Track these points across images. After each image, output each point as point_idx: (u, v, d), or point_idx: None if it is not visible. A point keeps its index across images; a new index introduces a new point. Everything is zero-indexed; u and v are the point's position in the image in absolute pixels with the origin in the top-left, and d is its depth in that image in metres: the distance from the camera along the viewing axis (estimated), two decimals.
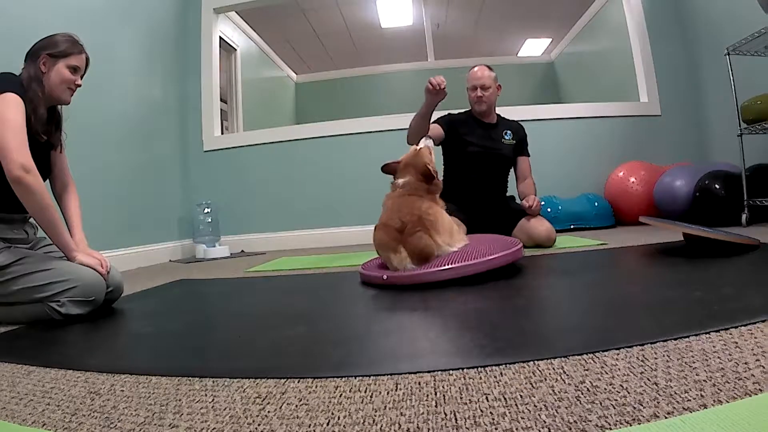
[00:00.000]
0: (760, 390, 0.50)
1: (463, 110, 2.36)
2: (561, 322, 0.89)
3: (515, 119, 2.41)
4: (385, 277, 1.36)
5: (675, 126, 3.32)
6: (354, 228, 3.24)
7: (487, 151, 2.23)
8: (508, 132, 2.30)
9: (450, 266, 1.30)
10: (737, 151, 2.37)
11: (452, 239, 1.46)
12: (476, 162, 2.23)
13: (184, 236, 3.26)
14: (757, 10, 2.28)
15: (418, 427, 0.49)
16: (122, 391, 0.66)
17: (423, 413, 0.52)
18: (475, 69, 2.28)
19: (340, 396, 0.59)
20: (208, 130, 3.48)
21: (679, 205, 2.52)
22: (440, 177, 1.79)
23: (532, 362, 0.64)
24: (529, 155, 2.34)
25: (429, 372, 0.64)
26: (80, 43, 1.32)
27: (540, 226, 2.06)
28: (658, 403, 0.49)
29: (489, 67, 2.28)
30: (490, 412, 0.51)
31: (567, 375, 0.59)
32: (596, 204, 2.98)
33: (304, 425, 0.52)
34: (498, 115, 2.36)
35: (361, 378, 0.64)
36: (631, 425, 0.45)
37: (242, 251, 3.26)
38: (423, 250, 1.35)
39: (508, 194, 2.35)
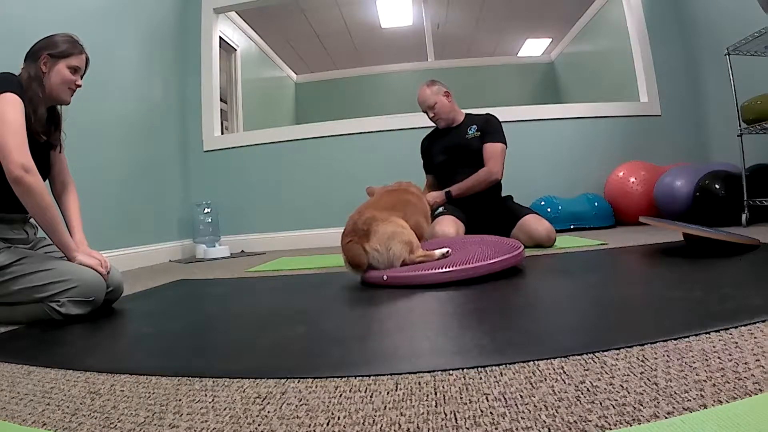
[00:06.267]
0: (760, 390, 0.50)
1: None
2: (561, 322, 0.89)
3: (486, 113, 2.39)
4: (385, 277, 1.36)
5: (675, 126, 3.32)
6: None
7: (450, 154, 2.30)
8: (473, 127, 2.32)
9: (451, 269, 1.30)
10: (737, 151, 2.38)
11: (387, 245, 1.41)
12: (446, 167, 2.32)
13: (184, 236, 3.26)
14: (757, 10, 2.28)
15: (418, 427, 0.49)
16: (122, 391, 0.66)
17: (423, 413, 0.52)
18: (418, 94, 2.35)
19: (340, 396, 0.59)
20: (208, 130, 3.48)
21: (679, 205, 2.52)
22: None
23: (532, 362, 0.64)
24: (496, 141, 2.25)
25: (429, 372, 0.64)
26: (80, 44, 1.32)
27: (540, 225, 2.06)
28: (658, 403, 0.49)
29: (429, 83, 2.35)
30: (490, 412, 0.51)
31: (567, 375, 0.59)
32: (596, 204, 2.98)
33: (304, 425, 0.52)
34: (466, 114, 2.40)
35: (361, 378, 0.64)
36: (631, 425, 0.45)
37: (242, 251, 3.26)
38: (352, 259, 1.45)
39: (506, 194, 2.36)
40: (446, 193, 2.22)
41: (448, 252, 1.47)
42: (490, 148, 2.24)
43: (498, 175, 2.22)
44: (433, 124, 2.42)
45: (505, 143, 2.28)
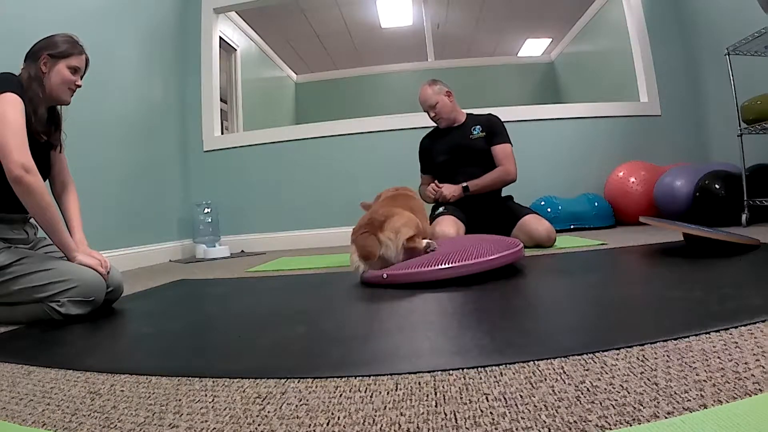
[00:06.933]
0: (760, 390, 0.50)
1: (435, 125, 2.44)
2: (561, 322, 0.89)
3: (487, 113, 2.41)
4: (385, 275, 1.36)
5: (675, 126, 3.33)
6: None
7: (453, 154, 2.30)
8: (477, 127, 2.32)
9: (450, 265, 1.30)
10: (737, 151, 2.37)
11: (397, 230, 1.47)
12: (448, 166, 2.31)
13: (184, 236, 3.26)
14: (757, 10, 2.28)
15: (418, 427, 0.49)
16: (122, 391, 0.66)
17: (423, 413, 0.52)
18: (420, 93, 2.35)
19: (340, 396, 0.59)
20: (208, 130, 3.48)
21: (679, 205, 2.52)
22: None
23: (532, 362, 0.64)
24: (505, 142, 2.28)
25: (429, 372, 0.64)
26: (80, 44, 1.32)
27: (540, 225, 2.06)
28: (658, 403, 0.49)
29: (431, 82, 2.34)
30: (490, 412, 0.51)
31: (567, 375, 0.59)
32: (596, 204, 2.98)
33: (304, 425, 0.52)
34: (468, 114, 2.40)
35: (361, 378, 0.64)
36: (631, 425, 0.45)
37: (242, 251, 3.26)
38: (364, 248, 1.45)
39: (506, 194, 2.36)
40: (464, 188, 2.21)
41: (431, 244, 1.51)
42: (502, 150, 2.26)
43: (515, 176, 2.25)
44: (434, 124, 2.42)
45: (511, 143, 2.30)
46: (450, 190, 2.20)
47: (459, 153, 2.29)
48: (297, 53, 5.87)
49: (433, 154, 2.39)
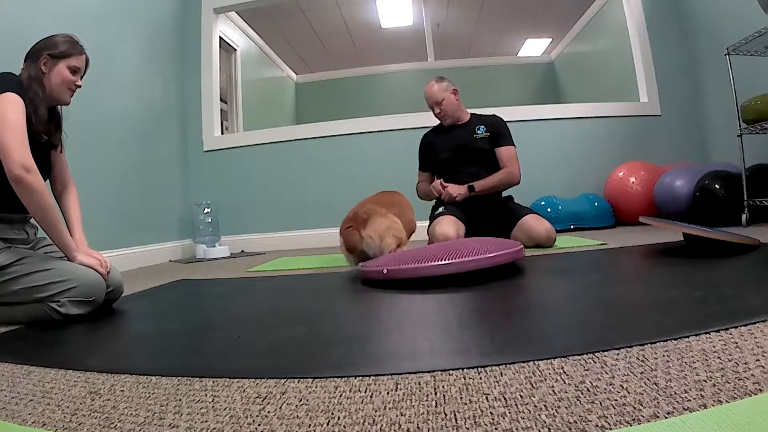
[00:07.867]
0: (760, 390, 0.50)
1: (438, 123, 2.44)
2: (561, 322, 0.89)
3: (492, 113, 2.43)
4: (385, 270, 1.37)
5: (675, 126, 3.33)
6: None
7: (456, 152, 2.30)
8: (481, 127, 2.32)
9: (450, 261, 1.30)
10: (737, 151, 2.37)
11: (381, 235, 1.73)
12: (450, 164, 2.31)
13: (184, 236, 3.26)
14: (757, 10, 2.28)
15: (418, 427, 0.49)
16: (122, 391, 0.66)
17: (423, 413, 0.52)
18: (426, 89, 2.35)
19: (340, 396, 0.59)
20: (208, 130, 3.48)
21: (679, 205, 2.52)
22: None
23: (532, 362, 0.64)
24: (509, 144, 2.29)
25: (429, 372, 0.64)
26: (80, 44, 1.32)
27: (540, 226, 2.06)
28: (658, 403, 0.49)
29: (438, 79, 2.35)
30: (490, 412, 0.51)
31: (567, 375, 0.59)
32: (596, 204, 2.98)
33: (304, 425, 0.52)
34: (472, 114, 2.40)
35: (361, 378, 0.64)
36: (631, 425, 0.45)
37: (242, 251, 3.26)
38: (348, 242, 1.72)
39: (506, 194, 2.36)
40: (469, 187, 2.20)
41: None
42: (506, 152, 2.27)
43: (519, 178, 2.27)
44: (437, 121, 2.41)
45: (515, 145, 2.31)
46: (456, 190, 2.19)
47: (462, 152, 2.29)
48: (297, 53, 5.87)
49: (435, 150, 2.37)
